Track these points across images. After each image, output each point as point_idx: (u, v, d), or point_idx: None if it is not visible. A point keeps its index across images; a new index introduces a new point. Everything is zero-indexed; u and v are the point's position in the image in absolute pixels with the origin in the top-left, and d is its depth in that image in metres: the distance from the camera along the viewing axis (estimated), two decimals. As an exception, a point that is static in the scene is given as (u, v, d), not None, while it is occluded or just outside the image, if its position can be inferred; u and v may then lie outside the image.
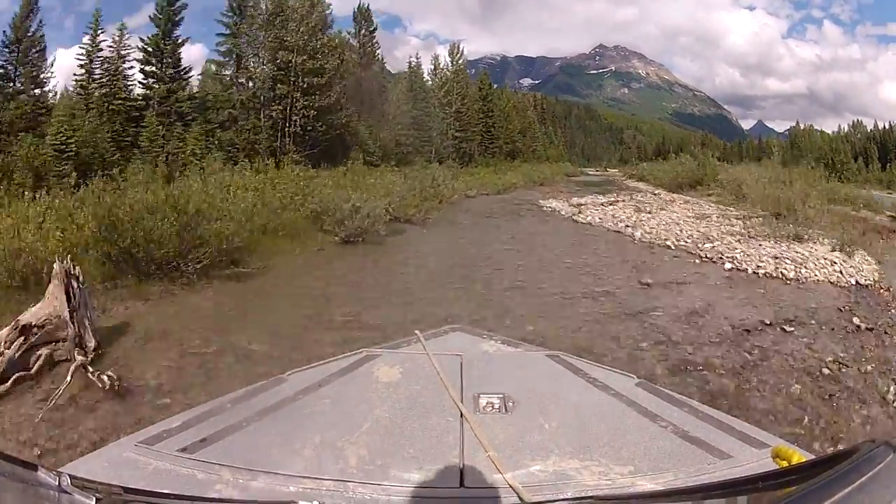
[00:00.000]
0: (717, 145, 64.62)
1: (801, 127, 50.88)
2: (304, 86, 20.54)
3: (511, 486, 1.08)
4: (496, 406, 1.40)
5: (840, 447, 3.22)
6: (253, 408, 1.40)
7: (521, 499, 1.05)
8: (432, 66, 36.01)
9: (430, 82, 35.09)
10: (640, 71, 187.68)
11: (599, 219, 15.74)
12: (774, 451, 1.10)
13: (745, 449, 1.24)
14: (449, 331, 2.09)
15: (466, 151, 34.20)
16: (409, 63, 34.61)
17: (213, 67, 22.81)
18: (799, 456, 1.05)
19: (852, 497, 0.68)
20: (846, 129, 47.50)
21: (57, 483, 0.75)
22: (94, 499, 0.76)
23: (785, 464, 1.04)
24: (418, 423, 1.32)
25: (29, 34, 20.38)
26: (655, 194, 25.04)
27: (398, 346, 1.90)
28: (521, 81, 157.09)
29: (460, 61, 36.75)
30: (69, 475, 0.77)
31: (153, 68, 21.33)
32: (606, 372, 1.74)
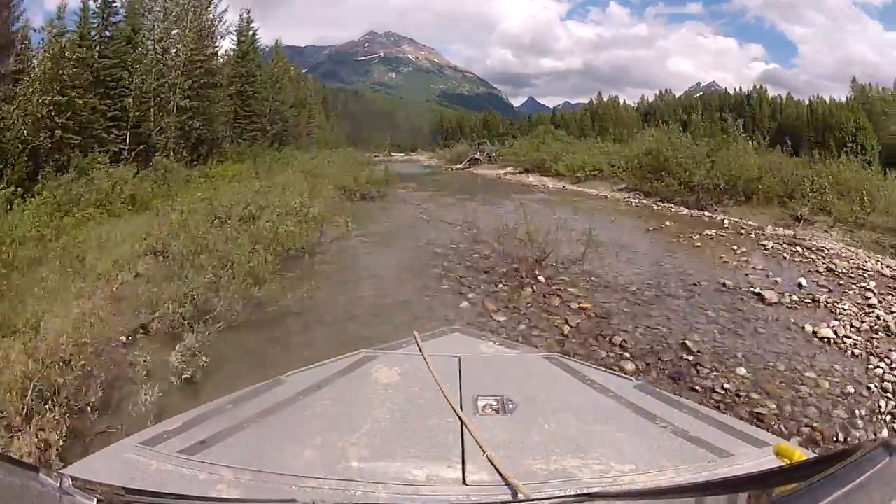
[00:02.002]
0: (502, 122, 61.79)
1: (605, 99, 47.19)
2: None
3: (512, 485, 1.06)
4: (495, 407, 1.38)
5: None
6: (253, 409, 1.38)
7: (522, 496, 1.03)
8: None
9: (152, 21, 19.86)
10: (409, 55, 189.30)
11: None
12: (776, 449, 1.10)
13: (746, 448, 1.23)
14: (448, 332, 2.09)
15: (205, 136, 20.68)
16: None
17: None
18: (800, 454, 1.04)
19: (852, 496, 0.68)
20: (651, 98, 45.24)
21: (58, 484, 0.74)
22: (96, 500, 0.76)
23: (786, 462, 1.04)
24: (418, 424, 1.31)
25: None
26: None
27: (397, 347, 1.85)
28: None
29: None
30: (70, 476, 0.77)
31: None
32: (604, 374, 1.73)
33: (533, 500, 1.02)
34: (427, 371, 1.57)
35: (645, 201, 17.57)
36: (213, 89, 21.70)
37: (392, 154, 65.81)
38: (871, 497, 0.68)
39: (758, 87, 38.48)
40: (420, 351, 1.73)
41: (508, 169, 29.44)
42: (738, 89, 39.06)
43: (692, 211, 15.27)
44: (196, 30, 20.74)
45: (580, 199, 18.25)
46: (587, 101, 47.93)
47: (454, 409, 1.34)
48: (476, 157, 35.12)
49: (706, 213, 14.84)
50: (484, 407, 1.37)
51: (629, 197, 18.86)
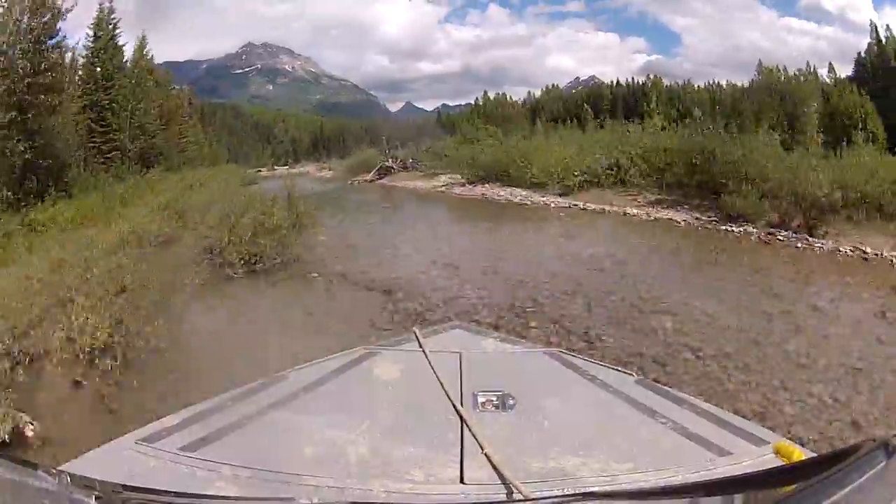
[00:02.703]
0: (384, 126, 57.25)
1: (491, 97, 45.45)
2: None
3: (511, 483, 1.05)
4: (495, 404, 1.37)
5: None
6: (252, 406, 1.36)
7: (521, 495, 1.03)
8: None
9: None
10: (286, 66, 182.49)
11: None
12: (775, 448, 1.11)
13: (746, 446, 1.22)
14: (448, 328, 2.06)
15: (38, 163, 14.48)
16: None
17: None
18: (799, 453, 1.05)
19: (852, 496, 0.68)
20: (539, 93, 43.82)
21: (57, 481, 0.73)
22: (94, 497, 0.75)
23: (786, 461, 1.04)
24: (418, 421, 1.31)
25: None
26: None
27: (397, 343, 1.86)
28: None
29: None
30: (69, 473, 0.77)
31: None
32: (605, 369, 1.70)
33: (530, 499, 1.01)
34: (427, 368, 1.55)
35: (722, 225, 12.45)
36: (50, 94, 15.66)
37: (275, 168, 59.65)
38: (871, 497, 0.68)
39: (651, 76, 39.28)
40: (420, 347, 1.70)
41: (445, 179, 22.28)
42: (629, 80, 40.05)
43: (810, 239, 11.10)
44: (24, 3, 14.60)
45: (623, 225, 12.91)
46: (465, 103, 46.41)
47: (454, 406, 1.32)
48: (388, 165, 28.33)
49: (825, 241, 10.80)
50: (484, 403, 1.36)
51: (696, 219, 13.28)
